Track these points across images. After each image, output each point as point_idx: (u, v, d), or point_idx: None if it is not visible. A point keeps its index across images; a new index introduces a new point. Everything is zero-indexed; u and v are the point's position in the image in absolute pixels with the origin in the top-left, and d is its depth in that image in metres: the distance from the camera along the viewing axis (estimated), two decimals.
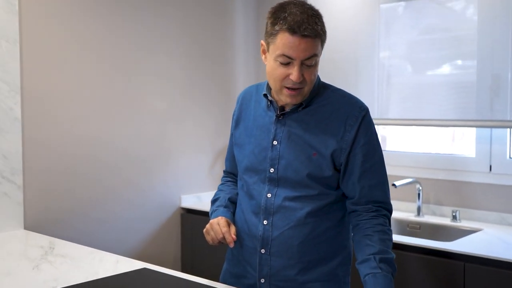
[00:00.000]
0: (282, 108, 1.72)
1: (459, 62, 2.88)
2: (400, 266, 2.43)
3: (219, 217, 1.74)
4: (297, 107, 1.70)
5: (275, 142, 1.71)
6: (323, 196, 1.69)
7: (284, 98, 1.66)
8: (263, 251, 1.72)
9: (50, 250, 2.20)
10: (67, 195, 2.76)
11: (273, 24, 1.59)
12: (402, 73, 3.08)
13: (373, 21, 3.15)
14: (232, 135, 1.90)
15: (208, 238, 1.74)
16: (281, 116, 1.71)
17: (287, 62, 1.59)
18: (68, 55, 2.74)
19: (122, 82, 2.97)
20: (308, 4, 1.63)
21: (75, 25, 2.76)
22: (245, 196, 1.80)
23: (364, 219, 1.66)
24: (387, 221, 1.68)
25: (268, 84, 1.74)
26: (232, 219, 1.81)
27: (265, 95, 1.74)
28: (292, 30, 1.55)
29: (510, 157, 2.79)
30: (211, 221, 1.75)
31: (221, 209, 1.82)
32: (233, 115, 1.90)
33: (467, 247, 2.32)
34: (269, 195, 1.71)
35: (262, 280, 1.74)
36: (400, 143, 3.30)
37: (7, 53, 2.48)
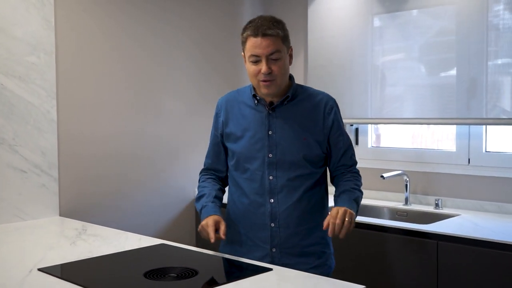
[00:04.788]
0: (271, 103, 2.09)
1: (441, 67, 3.20)
2: (385, 246, 2.79)
3: (208, 218, 2.02)
4: (283, 101, 2.08)
5: (270, 132, 2.07)
6: (313, 175, 2.09)
7: (262, 90, 2.03)
8: (272, 224, 2.08)
9: (83, 231, 2.56)
10: (97, 186, 3.12)
11: (242, 34, 2.02)
12: (392, 78, 3.40)
13: (366, 30, 3.48)
14: (217, 135, 2.23)
15: (202, 236, 2.03)
16: (272, 110, 2.08)
17: (256, 60, 1.98)
18: (96, 64, 3.11)
19: (146, 87, 3.35)
20: (272, 16, 2.04)
21: (102, 39, 3.14)
22: (245, 181, 2.12)
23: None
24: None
25: (252, 87, 2.11)
26: (221, 213, 2.09)
27: (254, 95, 2.11)
28: (255, 33, 1.96)
29: (486, 151, 3.12)
30: (202, 223, 2.03)
31: (210, 204, 2.09)
32: (218, 117, 2.21)
33: (440, 228, 2.65)
34: (270, 178, 2.07)
35: (274, 250, 2.08)
36: (391, 140, 3.64)
37: (45, 63, 2.84)
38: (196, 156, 3.64)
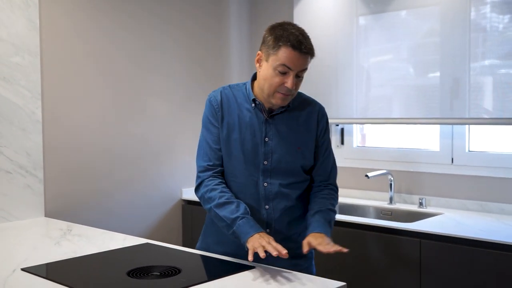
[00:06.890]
0: (269, 110, 2.04)
1: (424, 68, 3.23)
2: (368, 244, 2.81)
3: (270, 238, 1.85)
4: (283, 110, 2.04)
5: (266, 139, 2.03)
6: (304, 182, 2.10)
7: (275, 101, 1.97)
8: (268, 230, 2.03)
9: (68, 231, 2.56)
10: (82, 187, 3.12)
11: (277, 39, 1.90)
12: (377, 79, 3.43)
13: (351, 31, 3.51)
14: (214, 132, 2.07)
15: (256, 251, 1.81)
16: (271, 117, 2.04)
17: (285, 71, 1.90)
18: (82, 65, 3.11)
19: (131, 88, 3.35)
20: (303, 29, 1.96)
21: (87, 39, 3.13)
22: (240, 185, 2.05)
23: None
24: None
25: (250, 89, 2.04)
26: None
27: (254, 100, 2.03)
28: (294, 47, 1.88)
29: (469, 150, 3.15)
30: (259, 241, 1.82)
31: (250, 219, 1.93)
32: (215, 113, 2.06)
33: (423, 227, 2.68)
34: (265, 184, 2.03)
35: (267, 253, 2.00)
36: (376, 139, 3.67)
37: (29, 64, 2.84)
38: (182, 155, 3.66)
